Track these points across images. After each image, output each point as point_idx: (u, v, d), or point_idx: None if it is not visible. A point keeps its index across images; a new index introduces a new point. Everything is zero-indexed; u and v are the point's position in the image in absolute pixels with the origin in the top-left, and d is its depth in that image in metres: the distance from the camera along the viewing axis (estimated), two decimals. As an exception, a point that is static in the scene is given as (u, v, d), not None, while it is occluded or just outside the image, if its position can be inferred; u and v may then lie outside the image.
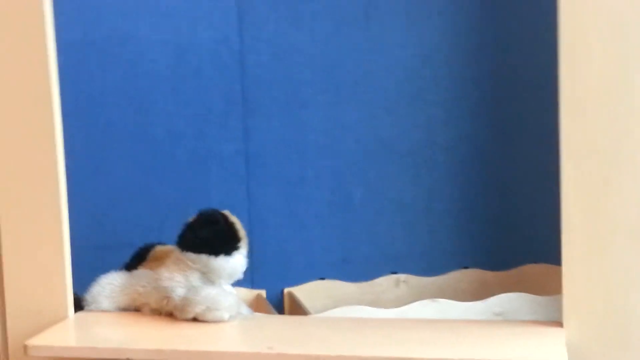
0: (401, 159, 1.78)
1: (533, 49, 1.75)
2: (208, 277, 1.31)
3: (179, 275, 1.30)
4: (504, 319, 1.50)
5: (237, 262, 1.31)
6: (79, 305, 1.34)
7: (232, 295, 1.31)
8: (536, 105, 1.76)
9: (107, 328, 1.30)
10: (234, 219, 1.33)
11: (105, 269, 1.37)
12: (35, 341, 1.21)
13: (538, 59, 1.72)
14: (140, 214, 1.68)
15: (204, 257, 1.29)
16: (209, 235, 1.29)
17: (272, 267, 1.74)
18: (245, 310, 1.35)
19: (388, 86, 1.77)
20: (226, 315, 1.27)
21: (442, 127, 1.78)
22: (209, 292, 1.28)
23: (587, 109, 1.17)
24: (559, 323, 1.21)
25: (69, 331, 1.28)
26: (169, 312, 1.31)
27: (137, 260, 1.40)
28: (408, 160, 1.78)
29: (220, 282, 1.32)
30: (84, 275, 1.36)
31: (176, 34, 1.67)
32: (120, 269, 1.39)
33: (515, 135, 1.79)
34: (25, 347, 1.19)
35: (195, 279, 1.30)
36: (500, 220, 1.81)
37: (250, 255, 1.34)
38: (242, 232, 1.33)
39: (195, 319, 1.28)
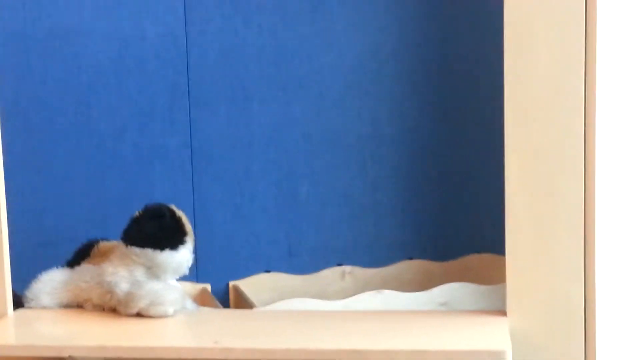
0: (347, 152, 1.78)
1: (479, 45, 1.77)
2: (153, 272, 1.29)
3: (123, 270, 1.29)
4: (449, 309, 1.52)
5: (182, 256, 1.30)
6: (19, 303, 1.31)
7: (177, 290, 1.30)
8: (480, 99, 1.78)
9: (48, 325, 1.28)
10: (180, 213, 1.31)
11: (46, 266, 1.35)
12: (-27, 340, 1.18)
13: (484, 54, 1.74)
14: (83, 210, 1.65)
15: (149, 252, 1.28)
16: (154, 230, 1.28)
17: (217, 260, 1.73)
18: (190, 304, 1.34)
19: (334, 80, 1.77)
20: (170, 310, 1.26)
21: (387, 120, 1.79)
22: (152, 287, 1.26)
23: (530, 102, 1.19)
24: (502, 312, 1.23)
25: (8, 329, 1.25)
26: (113, 307, 1.29)
27: (79, 256, 1.37)
28: (354, 153, 1.79)
29: (166, 277, 1.31)
30: (25, 273, 1.33)
31: (120, 27, 1.65)
32: (63, 265, 1.37)
33: (459, 128, 1.81)
34: (-38, 347, 1.16)
35: (140, 274, 1.29)
36: (444, 211, 1.83)
37: (195, 249, 1.33)
38: (188, 226, 1.32)
39: (139, 314, 1.26)
